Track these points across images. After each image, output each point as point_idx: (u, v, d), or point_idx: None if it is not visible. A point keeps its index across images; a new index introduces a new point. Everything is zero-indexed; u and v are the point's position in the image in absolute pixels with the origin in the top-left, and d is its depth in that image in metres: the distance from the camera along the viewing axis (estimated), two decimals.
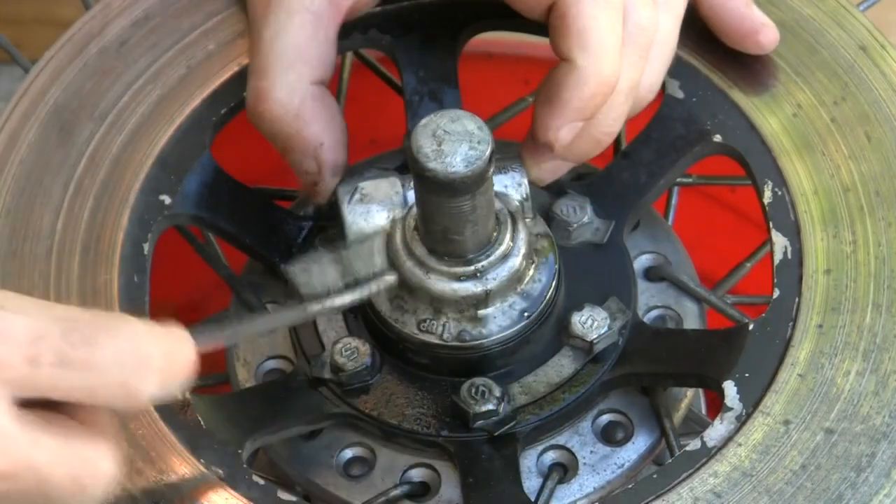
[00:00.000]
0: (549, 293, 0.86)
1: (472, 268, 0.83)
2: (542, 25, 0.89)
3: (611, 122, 0.85)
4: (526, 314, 0.85)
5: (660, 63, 0.87)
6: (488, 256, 0.83)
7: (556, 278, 0.86)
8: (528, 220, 0.86)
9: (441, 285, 0.83)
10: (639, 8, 0.84)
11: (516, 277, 0.84)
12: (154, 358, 0.68)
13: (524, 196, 0.86)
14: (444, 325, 0.84)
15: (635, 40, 0.84)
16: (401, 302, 0.85)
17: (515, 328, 0.85)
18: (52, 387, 0.66)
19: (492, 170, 0.78)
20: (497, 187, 0.85)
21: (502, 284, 0.84)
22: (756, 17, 0.91)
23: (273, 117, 0.87)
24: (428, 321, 0.84)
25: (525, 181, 0.86)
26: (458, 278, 0.83)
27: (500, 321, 0.84)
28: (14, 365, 0.64)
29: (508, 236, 0.83)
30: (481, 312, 0.84)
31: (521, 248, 0.84)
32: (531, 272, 0.85)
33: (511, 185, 0.86)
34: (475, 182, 0.77)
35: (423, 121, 0.78)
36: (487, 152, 0.77)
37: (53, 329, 0.65)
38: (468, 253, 0.83)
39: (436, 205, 0.80)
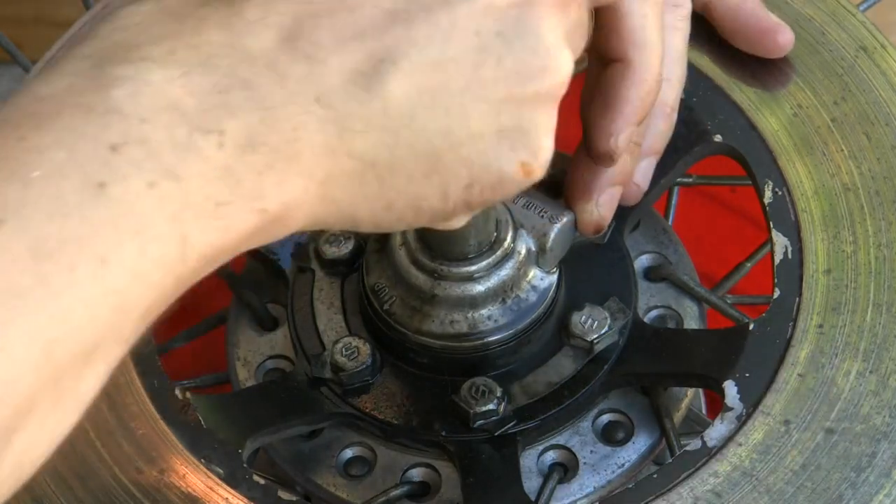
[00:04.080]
0: (550, 294, 0.86)
1: (469, 269, 0.83)
2: None
3: (643, 125, 0.85)
4: (526, 314, 0.85)
5: (678, 81, 0.87)
6: (486, 258, 0.83)
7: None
8: (541, 270, 0.85)
9: (434, 284, 0.83)
10: None
11: (516, 278, 0.84)
12: None
13: (542, 247, 0.84)
14: (440, 323, 0.84)
15: None
16: (396, 298, 0.85)
17: (515, 328, 0.85)
18: None
19: None
20: (525, 223, 0.84)
21: (500, 285, 0.84)
22: (772, 18, 0.92)
23: None
24: (423, 318, 0.84)
25: (553, 233, 0.84)
26: (455, 278, 0.83)
27: (499, 321, 0.84)
28: None
29: (509, 238, 0.83)
30: (478, 313, 0.84)
31: (521, 251, 0.84)
32: (531, 273, 0.85)
33: (536, 229, 0.84)
34: None
35: None
36: None
37: None
38: (468, 253, 0.83)
39: None
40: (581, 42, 0.69)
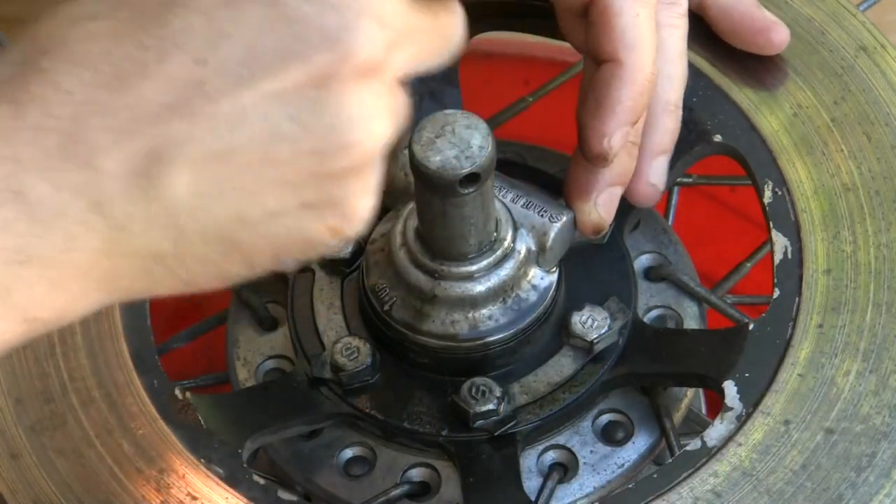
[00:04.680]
0: (550, 293, 0.86)
1: (469, 269, 0.83)
2: (547, 27, 0.90)
3: (638, 129, 0.85)
4: (526, 314, 0.85)
5: (679, 79, 0.87)
6: (486, 258, 0.83)
7: (556, 279, 0.86)
8: (541, 269, 0.85)
9: (434, 284, 0.83)
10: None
11: (516, 278, 0.84)
12: None
13: (542, 246, 0.84)
14: (440, 323, 0.84)
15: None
16: (396, 299, 0.85)
17: (515, 328, 0.85)
18: None
19: (471, 190, 0.77)
20: (524, 223, 0.84)
21: (501, 285, 0.84)
22: (767, 16, 0.92)
23: None
24: (423, 318, 0.84)
25: (553, 232, 0.84)
26: (455, 278, 0.83)
27: (500, 321, 0.84)
28: None
29: (509, 237, 0.83)
30: (479, 313, 0.84)
31: (521, 250, 0.84)
32: (531, 272, 0.85)
33: (536, 228, 0.84)
34: (443, 189, 0.77)
35: (447, 111, 0.77)
36: (467, 170, 0.76)
37: None
38: (445, 254, 0.83)
39: (417, 188, 0.80)
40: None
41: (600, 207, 0.85)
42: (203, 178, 0.61)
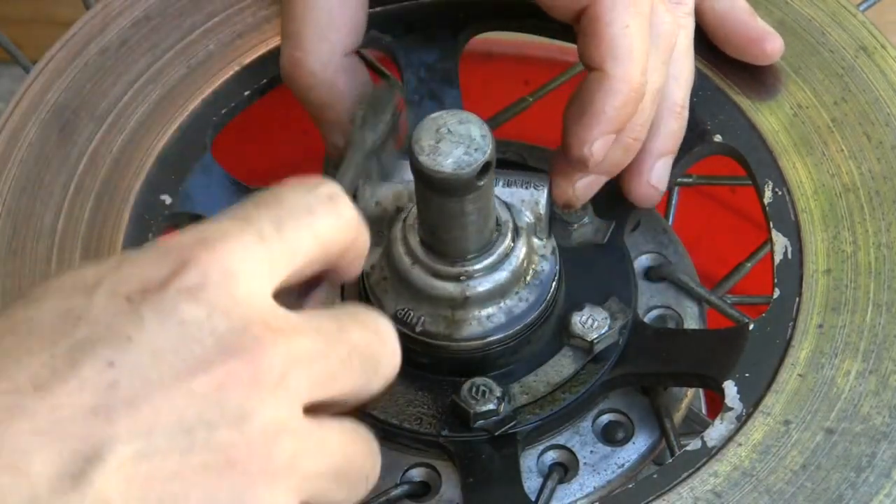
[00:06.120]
0: (550, 294, 0.86)
1: (464, 269, 0.83)
2: (547, 27, 0.90)
3: (639, 129, 0.85)
4: (526, 314, 0.85)
5: (685, 79, 0.88)
6: (483, 260, 0.83)
7: (556, 279, 0.86)
8: (539, 240, 0.85)
9: (431, 281, 0.83)
10: (660, 14, 0.84)
11: (516, 278, 0.84)
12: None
13: (538, 216, 0.85)
14: (420, 319, 0.84)
15: (658, 46, 0.84)
16: (387, 290, 0.85)
17: (515, 328, 0.85)
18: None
19: (485, 180, 0.77)
20: (513, 200, 0.85)
21: (500, 286, 0.84)
22: (762, 26, 0.91)
23: (308, 87, 0.89)
24: (413, 314, 0.84)
25: (544, 200, 0.85)
26: (449, 277, 0.83)
27: (500, 321, 0.84)
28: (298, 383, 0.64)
29: (509, 238, 0.83)
30: (477, 313, 0.84)
31: (521, 253, 0.84)
32: (531, 273, 0.85)
33: (528, 202, 0.85)
34: (463, 187, 0.77)
35: (433, 115, 0.77)
36: (481, 161, 0.76)
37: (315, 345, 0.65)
38: (466, 253, 0.83)
39: (427, 199, 0.80)
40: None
41: (579, 190, 0.86)
42: (127, 478, 0.61)
